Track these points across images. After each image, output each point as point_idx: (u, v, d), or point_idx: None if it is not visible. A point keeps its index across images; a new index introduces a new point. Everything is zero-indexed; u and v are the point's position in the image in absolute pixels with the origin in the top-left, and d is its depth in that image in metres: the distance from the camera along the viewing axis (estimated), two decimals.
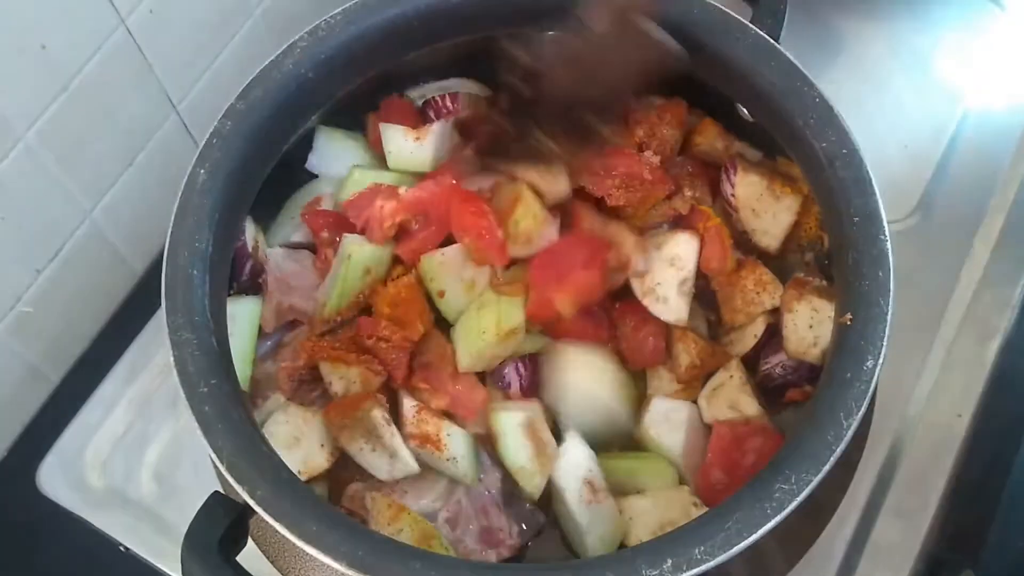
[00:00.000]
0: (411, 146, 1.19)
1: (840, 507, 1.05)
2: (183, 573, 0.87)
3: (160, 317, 1.29)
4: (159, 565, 1.20)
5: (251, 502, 0.85)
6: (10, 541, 1.26)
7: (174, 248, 0.96)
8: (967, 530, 1.19)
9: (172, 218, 0.97)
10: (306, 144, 1.21)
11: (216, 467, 0.90)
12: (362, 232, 1.15)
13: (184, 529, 0.89)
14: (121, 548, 1.21)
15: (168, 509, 1.22)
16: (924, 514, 1.15)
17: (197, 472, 1.22)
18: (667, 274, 1.11)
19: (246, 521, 0.91)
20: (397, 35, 1.10)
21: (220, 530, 0.88)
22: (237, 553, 0.90)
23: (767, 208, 1.13)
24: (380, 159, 1.22)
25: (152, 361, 1.31)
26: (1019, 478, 1.24)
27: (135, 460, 1.26)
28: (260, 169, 1.07)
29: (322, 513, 0.85)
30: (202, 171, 0.99)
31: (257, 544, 0.98)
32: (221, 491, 0.94)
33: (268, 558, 0.98)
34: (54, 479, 1.25)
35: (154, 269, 1.41)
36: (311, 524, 0.84)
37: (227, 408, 0.89)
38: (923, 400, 1.22)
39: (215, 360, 0.92)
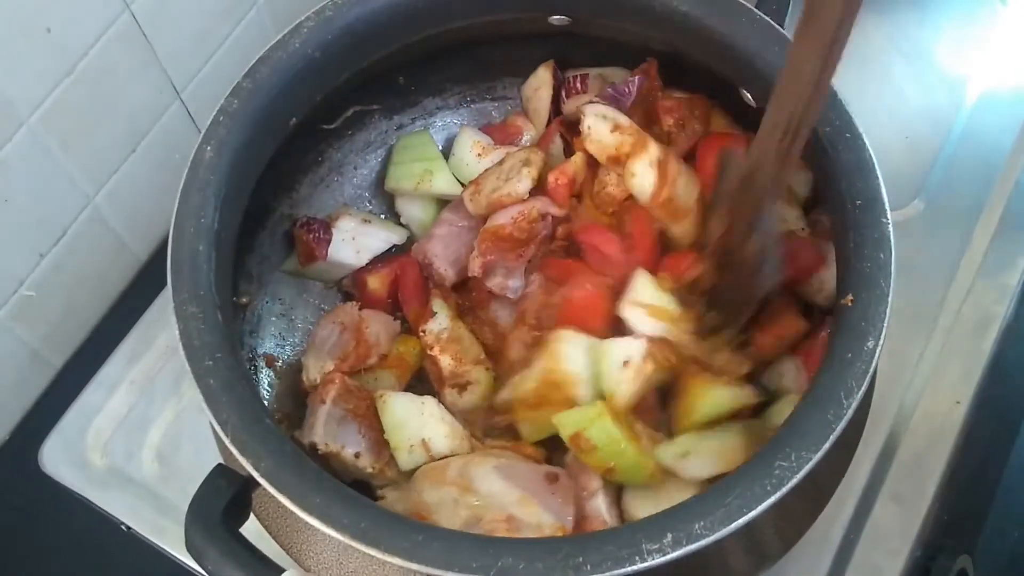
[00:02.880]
0: None
1: (838, 491, 1.05)
2: (187, 542, 0.87)
3: (162, 301, 1.31)
4: (161, 544, 1.20)
5: (255, 474, 0.85)
6: (13, 520, 1.27)
7: (180, 223, 0.96)
8: (964, 516, 1.20)
9: (178, 194, 0.97)
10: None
11: (220, 440, 0.90)
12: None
13: (185, 508, 0.89)
14: (123, 527, 1.22)
15: (169, 489, 1.23)
16: (921, 500, 1.16)
17: (198, 453, 1.22)
18: None
19: (249, 494, 0.91)
20: (404, 17, 1.10)
21: (224, 501, 0.88)
22: (240, 525, 0.90)
23: None
24: None
25: (155, 343, 1.32)
26: (1016, 465, 1.25)
27: (137, 440, 1.27)
28: (266, 147, 1.07)
29: (325, 485, 0.85)
30: (208, 148, 0.99)
31: (260, 520, 0.99)
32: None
33: (271, 533, 0.98)
34: (57, 459, 1.26)
35: (156, 255, 1.42)
36: (314, 496, 0.84)
37: (232, 382, 0.89)
38: (922, 387, 1.22)
39: (220, 334, 0.92)
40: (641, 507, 1.04)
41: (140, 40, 1.25)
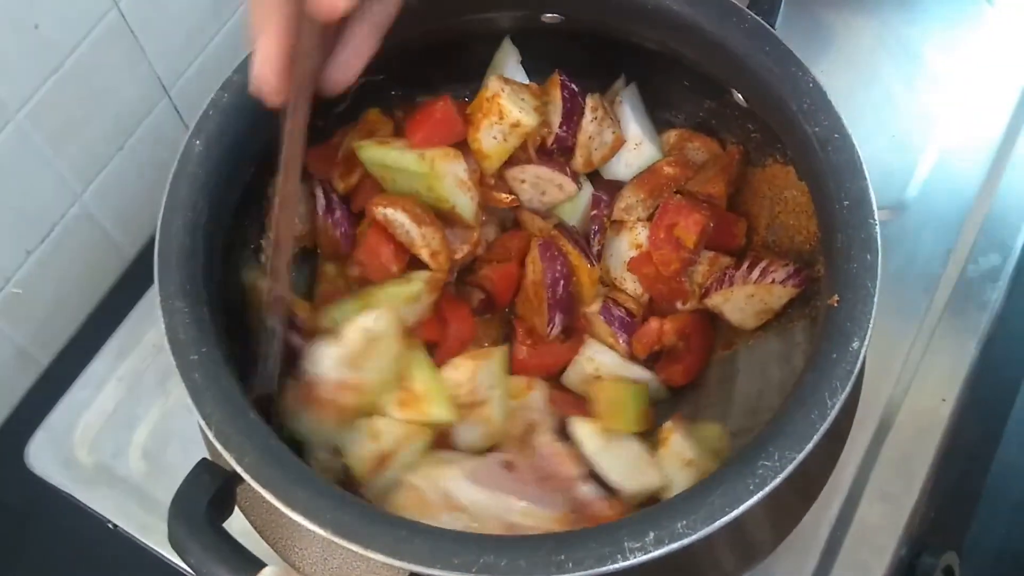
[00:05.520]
0: None
1: (824, 489, 1.05)
2: (170, 536, 0.87)
3: (150, 298, 1.31)
4: (147, 542, 1.20)
5: (239, 468, 0.84)
6: None
7: (168, 217, 0.95)
8: (950, 513, 1.21)
9: (166, 187, 0.97)
10: None
11: (204, 435, 0.90)
12: None
13: None
14: (109, 525, 1.21)
15: (156, 487, 1.23)
16: (908, 497, 1.16)
17: (185, 451, 1.22)
18: None
19: (233, 488, 0.91)
20: (400, 16, 1.08)
21: (207, 496, 0.88)
22: (224, 520, 0.90)
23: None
24: None
25: (142, 340, 1.31)
26: (1002, 462, 1.26)
27: (124, 438, 1.26)
28: (256, 141, 1.05)
29: (309, 481, 0.85)
30: (198, 141, 0.99)
31: (245, 515, 0.98)
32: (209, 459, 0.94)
33: (256, 528, 0.98)
34: (43, 456, 1.25)
35: (144, 252, 1.42)
36: (298, 491, 0.83)
37: (217, 376, 0.89)
38: (908, 385, 1.23)
39: (206, 329, 0.91)
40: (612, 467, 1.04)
41: (128, 37, 1.25)
